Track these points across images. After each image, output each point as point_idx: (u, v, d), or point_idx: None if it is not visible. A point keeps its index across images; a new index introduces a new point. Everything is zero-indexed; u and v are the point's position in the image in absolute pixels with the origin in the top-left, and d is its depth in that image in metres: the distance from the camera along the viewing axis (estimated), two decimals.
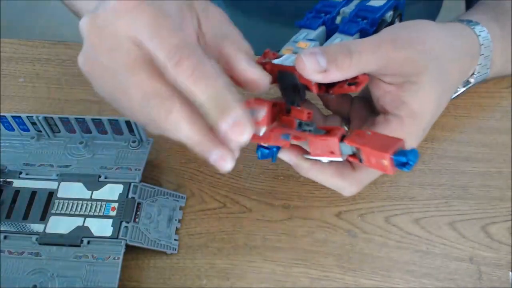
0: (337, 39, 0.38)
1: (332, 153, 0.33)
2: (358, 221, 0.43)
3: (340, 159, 0.34)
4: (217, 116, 0.29)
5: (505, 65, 0.47)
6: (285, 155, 0.37)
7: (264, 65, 0.36)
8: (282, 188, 0.45)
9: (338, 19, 0.40)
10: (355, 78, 0.34)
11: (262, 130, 0.34)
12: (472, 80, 0.45)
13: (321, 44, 0.38)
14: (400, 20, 0.42)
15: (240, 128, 0.29)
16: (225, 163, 0.30)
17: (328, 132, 0.34)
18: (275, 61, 0.36)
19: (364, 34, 0.39)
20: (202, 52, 0.30)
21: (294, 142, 0.35)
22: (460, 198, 0.44)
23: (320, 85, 0.36)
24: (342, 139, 0.33)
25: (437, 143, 0.47)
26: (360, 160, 0.32)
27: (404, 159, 0.29)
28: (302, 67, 0.33)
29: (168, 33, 0.30)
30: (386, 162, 0.30)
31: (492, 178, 0.45)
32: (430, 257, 0.41)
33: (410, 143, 0.38)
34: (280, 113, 0.36)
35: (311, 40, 0.38)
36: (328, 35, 0.40)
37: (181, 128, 0.30)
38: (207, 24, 0.34)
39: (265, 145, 0.36)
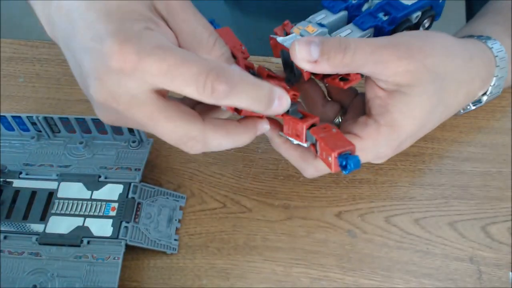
0: (347, 30, 0.37)
1: (298, 136, 0.35)
2: (358, 221, 0.43)
3: (304, 145, 0.35)
4: (264, 109, 0.32)
5: None
6: None
7: (271, 39, 0.38)
8: (282, 188, 0.45)
9: (365, 7, 0.39)
10: (348, 74, 0.35)
11: None
12: (484, 98, 0.44)
13: (331, 31, 0.38)
14: (431, 23, 0.41)
15: (283, 105, 0.33)
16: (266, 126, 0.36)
17: (304, 117, 0.36)
18: (279, 39, 0.37)
19: (378, 30, 0.38)
20: (220, 62, 0.31)
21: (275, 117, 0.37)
22: (460, 198, 0.44)
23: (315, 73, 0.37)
24: (310, 127, 0.34)
25: (437, 143, 0.47)
26: (316, 151, 0.34)
27: (344, 162, 0.31)
28: (293, 54, 0.34)
29: (183, 67, 0.29)
30: (331, 159, 0.32)
31: (492, 178, 0.45)
32: (430, 257, 0.41)
33: (381, 151, 0.38)
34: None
35: (321, 25, 0.38)
36: (350, 21, 0.39)
37: (221, 147, 0.34)
38: (174, 22, 0.33)
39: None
